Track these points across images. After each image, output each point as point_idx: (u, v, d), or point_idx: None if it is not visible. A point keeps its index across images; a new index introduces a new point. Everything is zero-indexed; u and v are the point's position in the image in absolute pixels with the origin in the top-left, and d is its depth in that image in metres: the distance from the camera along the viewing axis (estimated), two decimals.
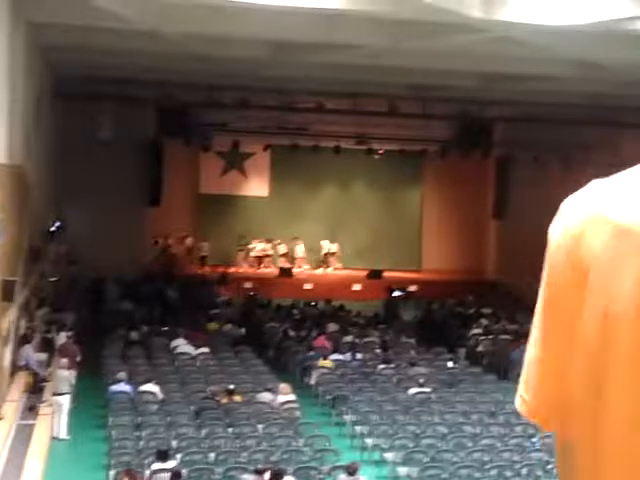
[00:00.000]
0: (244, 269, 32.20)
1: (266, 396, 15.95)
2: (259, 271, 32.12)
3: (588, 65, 21.15)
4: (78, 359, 17.94)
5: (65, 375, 15.61)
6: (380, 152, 32.64)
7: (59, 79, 25.35)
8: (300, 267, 32.77)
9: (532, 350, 1.20)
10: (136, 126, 29.59)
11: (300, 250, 32.84)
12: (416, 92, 26.20)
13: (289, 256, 32.80)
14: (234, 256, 32.77)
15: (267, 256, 32.70)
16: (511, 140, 31.55)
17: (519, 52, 19.34)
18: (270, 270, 32.18)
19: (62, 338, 18.95)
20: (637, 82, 23.12)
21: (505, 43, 18.09)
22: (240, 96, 26.54)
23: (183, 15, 17.20)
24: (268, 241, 32.48)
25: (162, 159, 31.34)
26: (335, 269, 33.10)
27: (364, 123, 30.29)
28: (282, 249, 32.68)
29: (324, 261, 33.27)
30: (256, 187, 34.30)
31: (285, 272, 31.83)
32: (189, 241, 32.61)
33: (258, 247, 32.38)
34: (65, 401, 15.40)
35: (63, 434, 15.33)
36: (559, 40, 17.67)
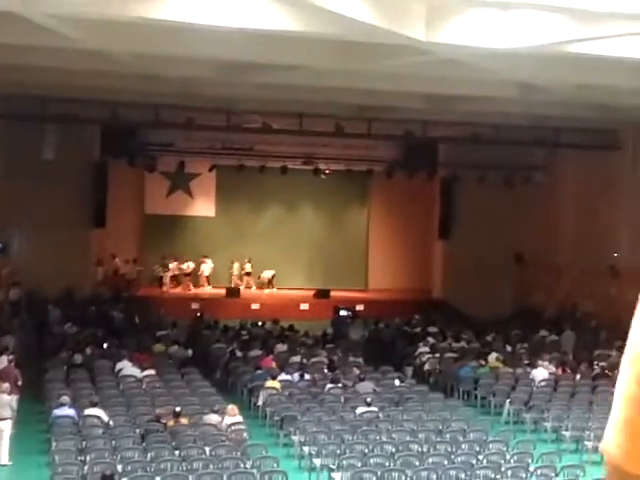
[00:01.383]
0: (165, 289, 31.97)
1: (213, 418, 15.81)
2: (174, 290, 32.03)
3: (530, 87, 21.57)
4: (19, 383, 17.60)
5: (6, 400, 15.30)
6: (327, 172, 32.78)
7: (1, 99, 24.99)
8: (205, 286, 32.75)
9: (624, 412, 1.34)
10: (80, 146, 29.29)
11: (206, 269, 32.76)
12: (362, 113, 26.43)
13: (199, 275, 32.69)
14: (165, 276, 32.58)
15: (187, 275, 32.58)
16: (456, 160, 31.96)
17: (463, 74, 19.65)
18: (178, 290, 32.05)
19: (3, 362, 18.56)
20: (576, 104, 23.66)
21: (449, 65, 18.36)
22: (186, 116, 26.47)
23: (129, 35, 17.10)
24: (174, 260, 32.31)
25: (107, 180, 31.04)
26: (247, 287, 33.00)
27: (310, 143, 30.43)
28: (187, 268, 32.49)
29: (236, 281, 33.15)
30: (202, 207, 34.17)
31: (232, 292, 31.72)
32: (119, 262, 32.21)
33: (171, 266, 32.27)
34: (6, 426, 15.08)
35: (4, 460, 15.00)
36: (502, 62, 17.99)
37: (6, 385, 15.75)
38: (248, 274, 33.22)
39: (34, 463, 15.13)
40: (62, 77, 21.80)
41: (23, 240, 29.51)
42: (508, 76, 19.89)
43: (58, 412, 15.70)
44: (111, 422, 15.60)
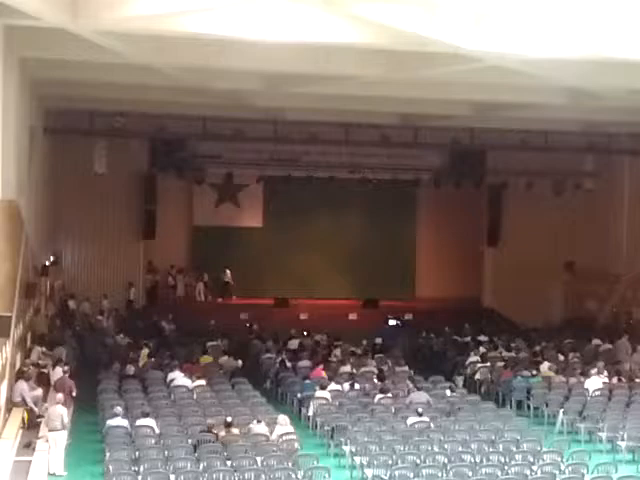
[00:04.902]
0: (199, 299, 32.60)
1: (264, 428, 15.84)
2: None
3: (580, 92, 21.32)
4: (74, 394, 17.81)
5: (60, 410, 15.49)
6: (373, 182, 32.75)
7: (52, 113, 25.46)
8: None
9: None
10: (130, 159, 29.69)
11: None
12: (408, 121, 26.38)
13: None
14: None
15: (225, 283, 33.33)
16: (504, 167, 31.69)
17: (511, 81, 19.51)
18: None
19: (58, 373, 18.82)
20: (628, 109, 23.31)
21: (497, 72, 18.25)
22: (234, 128, 26.67)
23: (177, 49, 17.33)
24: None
25: (156, 191, 31.37)
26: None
27: (357, 153, 30.44)
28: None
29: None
30: (250, 218, 34.34)
31: (281, 302, 31.78)
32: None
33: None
34: (61, 437, 15.26)
35: (60, 470, 15.18)
36: (551, 68, 17.83)
37: (60, 396, 15.94)
38: (205, 284, 33.33)
39: (89, 473, 15.30)
40: (112, 91, 22.15)
41: (75, 252, 29.98)
42: (557, 82, 19.69)
43: (111, 422, 15.86)
44: (163, 432, 15.70)
